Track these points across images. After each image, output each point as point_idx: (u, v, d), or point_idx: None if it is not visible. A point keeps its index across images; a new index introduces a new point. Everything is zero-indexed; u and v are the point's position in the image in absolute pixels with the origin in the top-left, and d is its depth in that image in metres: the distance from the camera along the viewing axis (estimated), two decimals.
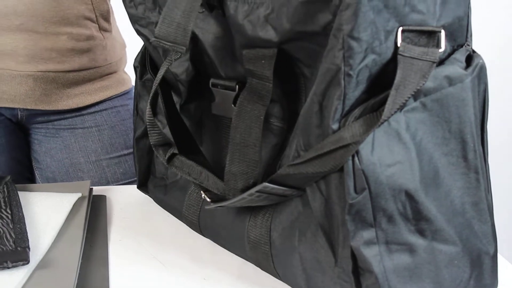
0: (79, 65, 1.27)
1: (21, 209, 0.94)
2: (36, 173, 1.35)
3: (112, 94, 1.35)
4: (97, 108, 1.33)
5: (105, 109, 1.34)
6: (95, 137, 1.32)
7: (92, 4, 1.26)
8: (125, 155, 1.34)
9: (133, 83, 1.22)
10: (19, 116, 1.29)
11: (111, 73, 1.35)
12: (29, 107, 1.26)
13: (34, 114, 1.30)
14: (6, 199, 0.96)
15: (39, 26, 1.19)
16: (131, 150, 1.33)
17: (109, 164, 1.32)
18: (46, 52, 1.21)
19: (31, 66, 1.21)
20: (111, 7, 1.36)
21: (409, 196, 0.67)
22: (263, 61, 0.74)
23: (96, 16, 1.28)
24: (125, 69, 1.44)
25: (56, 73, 1.24)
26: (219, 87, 0.86)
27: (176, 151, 0.89)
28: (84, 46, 1.26)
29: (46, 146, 1.32)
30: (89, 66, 1.29)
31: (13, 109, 1.28)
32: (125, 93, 1.39)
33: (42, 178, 1.33)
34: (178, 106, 0.94)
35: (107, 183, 1.32)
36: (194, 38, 0.84)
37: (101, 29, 1.30)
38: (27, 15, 1.16)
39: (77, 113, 1.32)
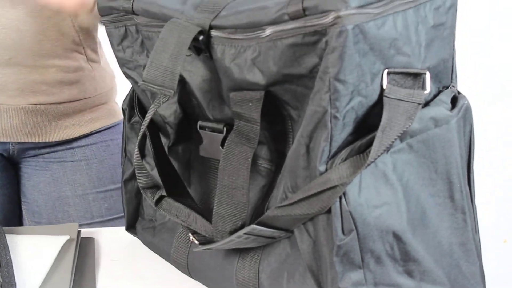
0: (68, 96, 1.27)
1: (9, 252, 0.94)
2: (23, 207, 1.34)
3: (103, 125, 1.35)
4: (87, 141, 1.33)
5: (95, 143, 1.34)
6: (83, 170, 1.31)
7: (79, 36, 1.26)
8: (111, 190, 1.33)
9: None
10: (10, 151, 1.29)
11: (101, 104, 1.35)
12: (20, 141, 1.26)
13: (26, 148, 1.30)
14: None
15: (28, 60, 1.19)
16: (118, 185, 1.33)
17: (95, 199, 1.32)
18: (35, 85, 1.21)
19: (22, 99, 1.21)
20: (99, 38, 1.36)
21: (397, 237, 0.68)
22: (250, 104, 0.75)
23: (83, 47, 1.28)
24: (117, 100, 1.44)
25: (47, 105, 1.24)
26: (207, 129, 0.86)
27: (164, 194, 0.89)
28: (73, 78, 1.27)
29: (35, 179, 1.32)
30: (79, 97, 1.29)
31: (5, 143, 1.27)
32: (116, 125, 1.39)
33: (28, 213, 1.33)
34: (166, 148, 0.95)
35: (92, 217, 1.31)
36: (182, 80, 0.85)
37: (89, 60, 1.30)
38: (16, 49, 1.17)
39: (68, 146, 1.32)
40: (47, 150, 1.31)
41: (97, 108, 1.34)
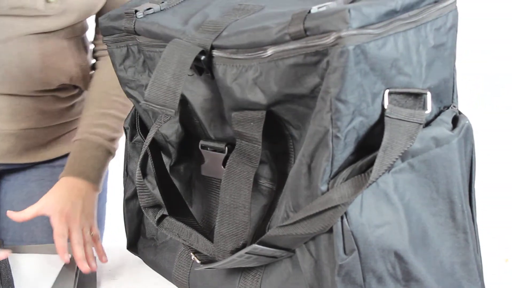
0: (59, 119, 1.26)
1: (10, 271, 0.94)
2: None
3: None
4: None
5: None
6: None
7: (78, 72, 1.25)
8: None
9: None
10: None
11: None
12: (9, 162, 1.26)
13: (11, 169, 1.29)
14: None
15: (24, 92, 1.18)
16: None
17: None
18: (29, 111, 1.21)
19: (14, 124, 1.21)
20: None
21: (399, 256, 0.67)
22: (252, 123, 0.75)
23: (81, 79, 1.27)
24: None
25: (38, 129, 1.24)
26: (208, 148, 0.86)
27: (165, 213, 0.88)
28: (68, 104, 1.27)
29: (11, 196, 1.30)
30: (70, 119, 1.28)
31: None
32: None
33: None
34: (168, 167, 0.95)
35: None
36: (184, 100, 0.85)
37: (85, 88, 1.29)
38: (15, 83, 1.16)
39: (49, 164, 1.31)
40: (28, 166, 1.30)
41: None
